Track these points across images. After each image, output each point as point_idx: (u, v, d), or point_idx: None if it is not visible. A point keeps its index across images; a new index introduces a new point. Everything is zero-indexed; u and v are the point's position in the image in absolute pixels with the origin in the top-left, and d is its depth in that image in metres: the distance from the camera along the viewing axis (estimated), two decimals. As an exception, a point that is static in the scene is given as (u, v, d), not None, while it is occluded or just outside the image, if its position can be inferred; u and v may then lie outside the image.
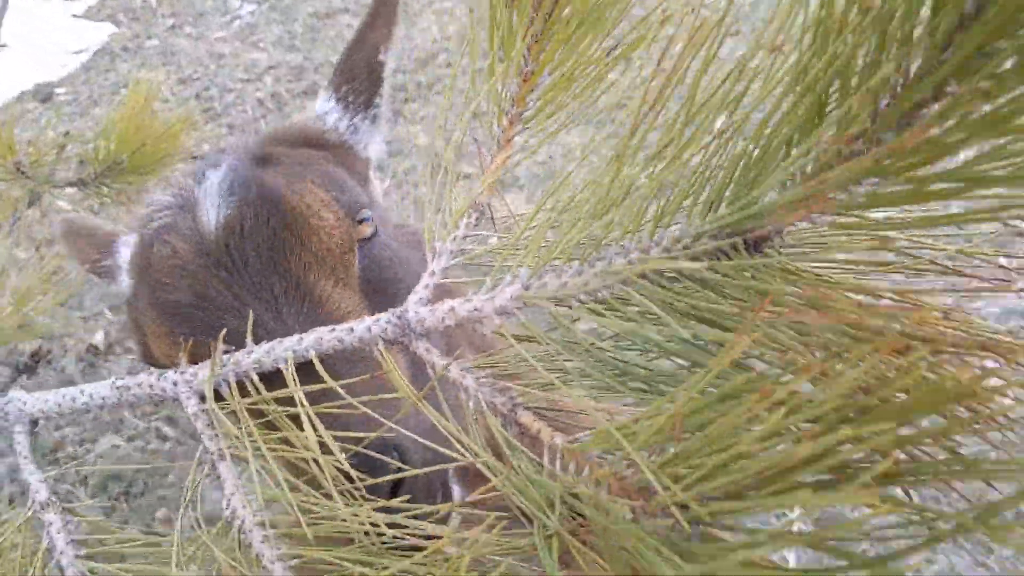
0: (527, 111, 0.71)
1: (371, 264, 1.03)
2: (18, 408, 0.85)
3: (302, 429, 0.61)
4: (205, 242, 0.96)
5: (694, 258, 0.51)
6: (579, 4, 0.69)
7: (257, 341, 0.77)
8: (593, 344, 0.56)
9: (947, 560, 2.04)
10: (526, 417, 0.56)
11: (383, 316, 0.65)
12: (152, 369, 0.77)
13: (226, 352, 0.71)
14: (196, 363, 0.77)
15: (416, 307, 0.64)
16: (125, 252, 1.19)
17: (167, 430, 3.58)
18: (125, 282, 1.16)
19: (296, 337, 0.69)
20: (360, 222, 1.03)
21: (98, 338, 3.84)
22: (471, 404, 0.59)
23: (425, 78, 4.35)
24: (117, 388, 0.79)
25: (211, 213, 0.97)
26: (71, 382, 3.79)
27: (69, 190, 2.82)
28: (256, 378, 0.69)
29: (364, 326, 0.66)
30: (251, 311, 0.83)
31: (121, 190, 2.73)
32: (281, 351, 0.68)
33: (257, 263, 0.93)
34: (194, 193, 1.02)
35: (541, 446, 0.55)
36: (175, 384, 0.74)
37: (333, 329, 0.67)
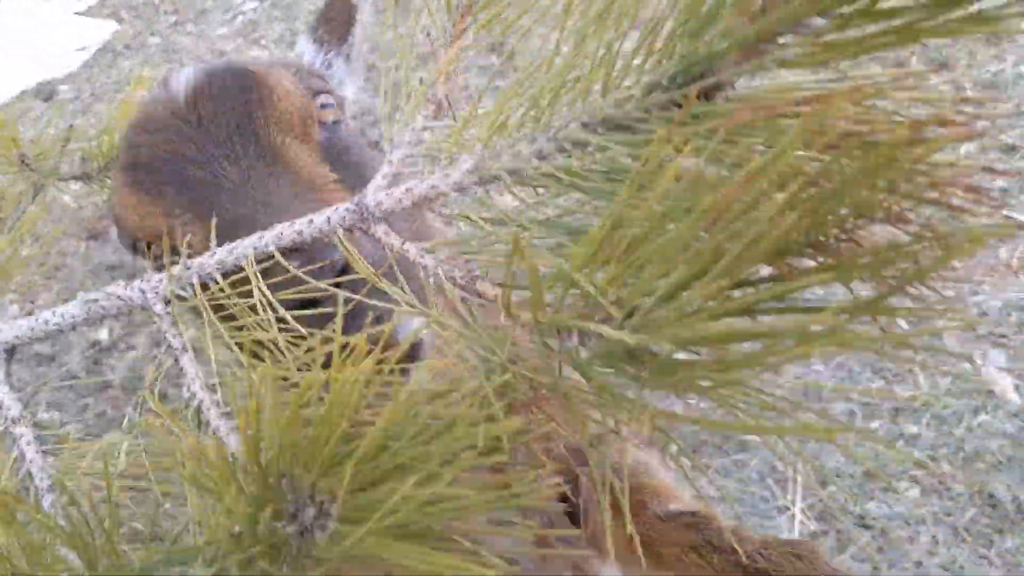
0: (477, 3, 0.71)
1: (334, 142, 1.08)
2: (-8, 338, 0.85)
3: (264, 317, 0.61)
4: (175, 104, 1.02)
5: (645, 111, 0.51)
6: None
7: (219, 194, 0.87)
8: (549, 219, 0.56)
9: (948, 552, 2.02)
10: (485, 286, 0.56)
11: (341, 206, 0.65)
12: (120, 281, 0.77)
13: (190, 256, 0.72)
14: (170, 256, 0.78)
15: (374, 193, 0.64)
16: None
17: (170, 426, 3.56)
18: None
19: (256, 235, 0.69)
20: (322, 107, 1.08)
21: (102, 335, 3.85)
22: (431, 281, 0.58)
23: (427, 74, 4.37)
24: (85, 303, 0.79)
25: (183, 81, 1.04)
26: (75, 377, 3.80)
27: (74, 185, 2.84)
28: (219, 277, 0.69)
29: (322, 217, 0.66)
30: (212, 217, 0.84)
31: (124, 184, 2.75)
32: (242, 250, 0.69)
33: (223, 119, 0.99)
34: (170, 75, 1.10)
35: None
36: (142, 292, 0.74)
37: (292, 223, 0.67)
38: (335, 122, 1.10)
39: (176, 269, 0.72)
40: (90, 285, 3.92)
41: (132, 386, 3.52)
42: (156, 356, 3.75)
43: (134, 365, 3.73)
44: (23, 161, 2.75)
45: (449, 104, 0.66)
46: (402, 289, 0.59)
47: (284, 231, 0.67)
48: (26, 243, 3.93)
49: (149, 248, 1.01)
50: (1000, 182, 2.80)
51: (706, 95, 0.49)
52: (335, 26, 1.37)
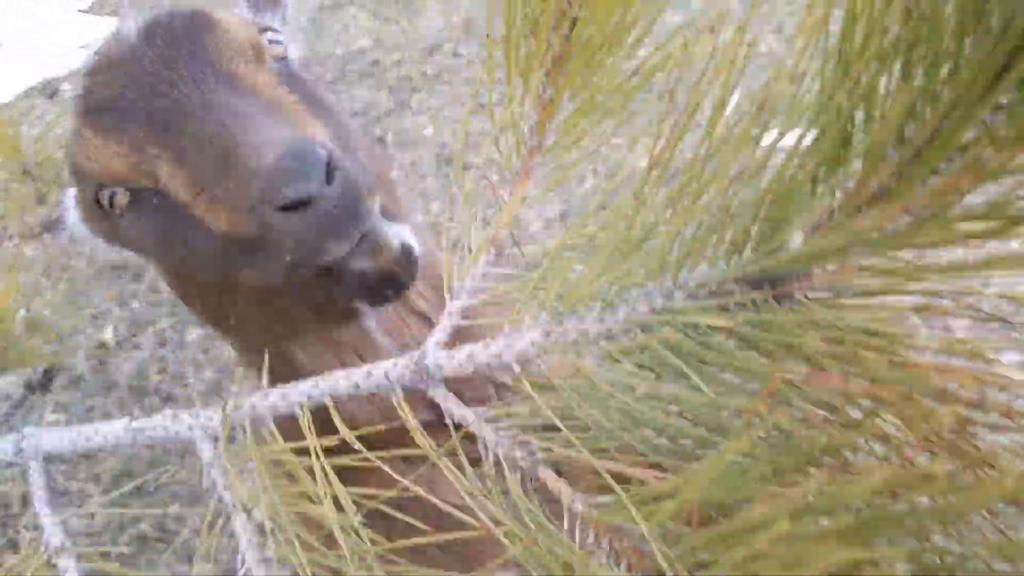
0: (547, 140, 0.69)
1: (290, 76, 1.09)
2: (33, 445, 0.84)
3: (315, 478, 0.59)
4: (129, 43, 1.03)
5: (721, 307, 0.49)
6: (598, 27, 0.66)
7: (185, 118, 0.90)
8: (612, 396, 0.54)
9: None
10: (546, 474, 0.54)
11: (401, 361, 0.63)
12: (167, 410, 0.75)
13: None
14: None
15: (434, 352, 0.61)
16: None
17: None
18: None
19: (311, 381, 0.67)
20: (270, 43, 1.09)
21: (107, 335, 3.82)
22: (490, 458, 0.57)
23: (431, 69, 4.31)
24: (132, 430, 0.78)
25: (131, 25, 1.04)
26: (81, 379, 3.79)
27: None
28: (272, 426, 0.67)
29: (381, 371, 0.64)
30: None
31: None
32: (296, 396, 0.67)
33: (177, 50, 1.00)
34: (119, 26, 1.10)
35: (559, 504, 0.53)
36: (190, 428, 0.72)
37: (349, 375, 0.65)
38: (283, 58, 1.10)
39: (229, 407, 0.70)
40: (95, 285, 3.90)
41: (138, 386, 3.51)
42: (163, 356, 3.74)
43: (140, 365, 3.72)
44: (26, 171, 2.72)
45: (515, 243, 0.64)
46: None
47: (340, 383, 0.65)
48: (31, 245, 3.90)
49: (111, 201, 1.02)
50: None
51: (784, 284, 0.48)
52: None
